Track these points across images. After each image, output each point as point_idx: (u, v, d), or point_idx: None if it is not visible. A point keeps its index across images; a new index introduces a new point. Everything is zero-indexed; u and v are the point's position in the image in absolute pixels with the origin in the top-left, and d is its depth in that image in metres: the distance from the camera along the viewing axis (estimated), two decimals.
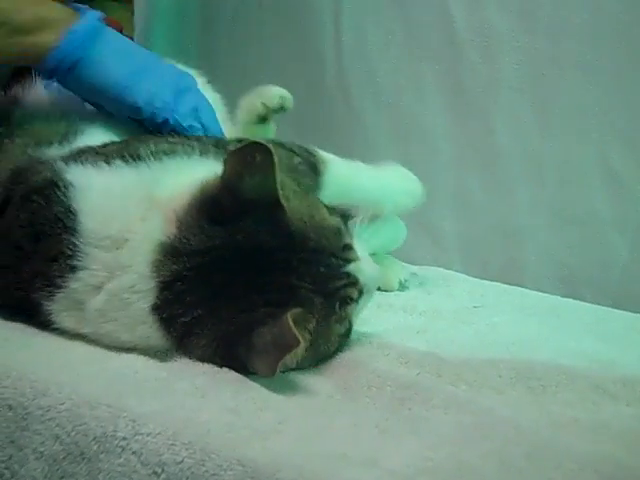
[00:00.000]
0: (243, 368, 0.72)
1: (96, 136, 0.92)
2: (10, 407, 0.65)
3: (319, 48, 1.54)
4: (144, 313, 0.74)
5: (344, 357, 0.80)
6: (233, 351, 0.72)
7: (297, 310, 0.71)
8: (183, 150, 0.85)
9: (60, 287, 0.76)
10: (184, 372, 0.72)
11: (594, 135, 1.35)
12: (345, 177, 1.03)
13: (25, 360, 0.71)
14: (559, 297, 1.25)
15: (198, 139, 0.94)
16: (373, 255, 1.16)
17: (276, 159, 0.72)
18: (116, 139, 0.93)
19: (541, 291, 1.28)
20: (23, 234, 0.79)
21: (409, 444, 0.62)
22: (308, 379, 0.74)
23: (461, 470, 0.59)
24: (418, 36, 1.47)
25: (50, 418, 0.64)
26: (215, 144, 0.91)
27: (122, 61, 0.99)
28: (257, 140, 0.74)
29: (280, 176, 0.74)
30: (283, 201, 0.74)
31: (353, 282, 0.78)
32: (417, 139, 1.50)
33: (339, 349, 0.80)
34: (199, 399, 0.67)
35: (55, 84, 1.09)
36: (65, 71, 0.96)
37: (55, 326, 0.78)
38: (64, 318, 0.77)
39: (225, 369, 0.73)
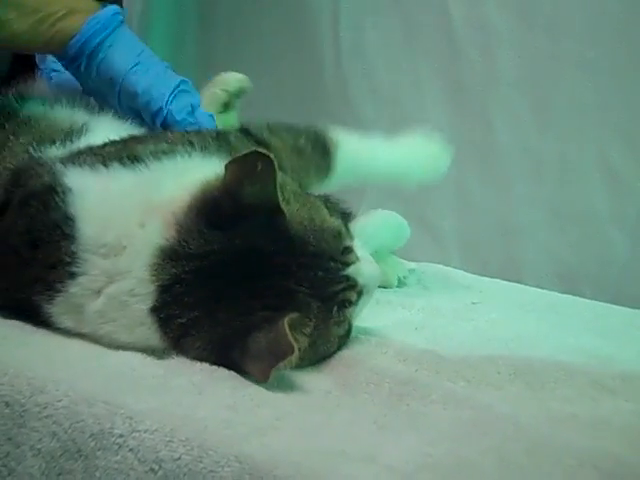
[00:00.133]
0: (237, 371, 0.72)
1: (101, 134, 0.91)
2: (7, 404, 0.65)
3: (317, 46, 1.54)
4: (143, 315, 0.74)
5: (342, 354, 0.79)
6: (228, 354, 0.72)
7: (294, 315, 0.71)
8: (183, 149, 0.84)
9: (60, 291, 0.76)
10: (181, 369, 0.72)
11: (593, 132, 1.35)
12: (360, 156, 1.02)
13: (23, 357, 0.71)
14: (558, 293, 1.25)
15: (198, 133, 0.93)
16: (374, 253, 1.17)
17: (277, 167, 0.72)
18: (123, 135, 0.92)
19: (540, 288, 1.28)
20: (21, 241, 0.78)
21: (408, 440, 0.62)
22: (306, 376, 0.74)
23: (460, 466, 0.58)
24: (416, 34, 1.47)
25: (47, 415, 0.64)
26: (216, 137, 0.90)
27: (131, 53, 1.04)
28: (259, 149, 0.73)
29: (281, 177, 0.74)
30: (283, 206, 0.73)
31: (352, 285, 0.78)
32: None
33: (339, 349, 0.80)
34: (196, 396, 0.67)
35: (54, 81, 1.11)
36: (86, 57, 1.01)
37: (55, 326, 0.78)
38: (64, 319, 0.77)
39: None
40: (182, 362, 0.73)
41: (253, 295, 0.73)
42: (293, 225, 0.74)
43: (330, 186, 1.00)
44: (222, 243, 0.73)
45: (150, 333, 0.74)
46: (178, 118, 1.01)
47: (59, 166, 0.81)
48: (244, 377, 0.71)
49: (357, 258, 0.79)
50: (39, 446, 0.63)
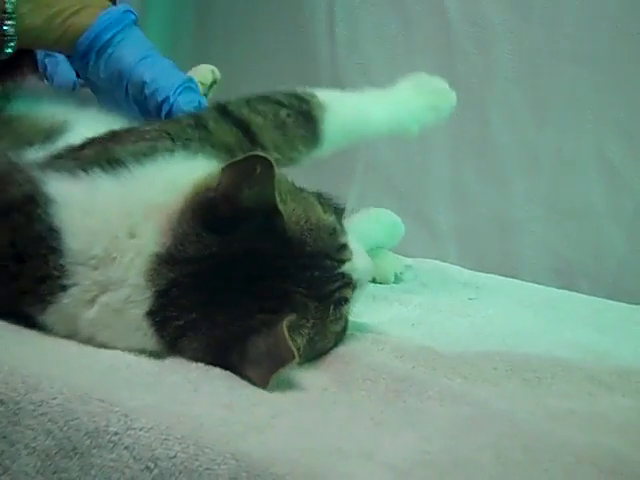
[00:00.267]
0: (234, 374, 0.71)
1: (82, 132, 0.88)
2: (2, 402, 0.64)
3: (312, 40, 1.54)
4: (138, 319, 0.73)
5: (339, 351, 0.79)
6: (226, 357, 0.71)
7: (292, 317, 0.71)
8: (163, 146, 0.81)
9: (51, 303, 0.74)
10: (176, 366, 0.72)
11: (590, 126, 1.35)
12: (350, 116, 0.96)
13: (17, 355, 0.71)
14: (555, 289, 1.25)
15: (175, 123, 0.89)
16: (369, 251, 1.17)
17: (276, 170, 0.71)
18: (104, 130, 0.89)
19: (537, 283, 1.28)
20: (6, 254, 0.76)
21: (405, 437, 0.62)
22: (302, 373, 0.73)
23: (457, 463, 0.58)
24: (412, 27, 1.47)
25: (42, 413, 0.63)
26: (194, 125, 0.87)
27: (140, 48, 1.03)
28: (257, 152, 0.72)
29: (277, 176, 0.72)
30: (281, 208, 0.73)
31: (347, 282, 0.78)
32: None
33: (336, 345, 0.79)
34: (192, 393, 0.67)
35: (49, 69, 1.10)
36: (95, 53, 1.00)
37: (51, 332, 0.76)
38: (58, 328, 0.76)
39: None
40: (177, 359, 0.73)
41: (251, 297, 0.72)
42: (290, 226, 0.74)
43: (322, 153, 0.95)
44: (220, 246, 0.72)
45: (146, 337, 0.73)
46: (185, 109, 0.98)
47: (37, 173, 0.78)
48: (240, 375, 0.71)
49: (352, 254, 0.79)
50: (34, 444, 0.62)
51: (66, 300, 0.74)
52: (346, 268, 0.77)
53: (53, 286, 0.74)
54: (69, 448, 0.61)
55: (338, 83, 1.50)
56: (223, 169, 0.72)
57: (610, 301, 1.20)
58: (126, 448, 0.60)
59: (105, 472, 0.60)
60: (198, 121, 0.88)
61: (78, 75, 1.14)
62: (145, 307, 0.72)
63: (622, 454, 0.60)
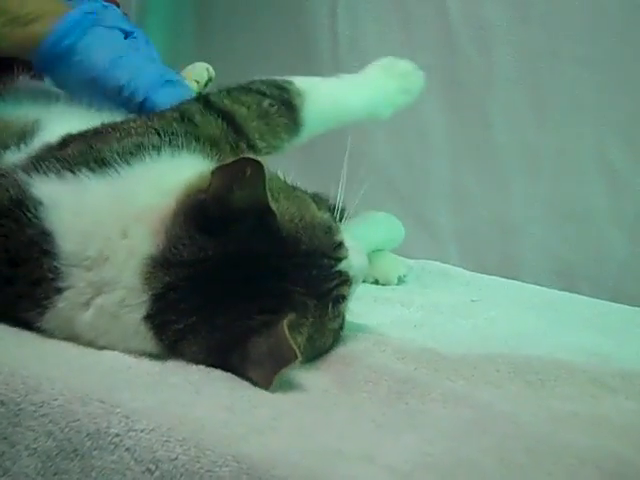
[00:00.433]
0: (236, 375, 0.71)
1: (55, 130, 0.87)
2: (2, 403, 0.64)
3: (315, 40, 1.54)
4: (136, 323, 0.72)
5: (340, 352, 0.79)
6: (227, 359, 0.71)
7: (291, 316, 0.71)
8: (149, 143, 0.80)
9: (47, 307, 0.74)
10: (177, 367, 0.71)
11: (591, 128, 1.35)
12: (328, 102, 0.98)
13: (17, 356, 0.70)
14: (557, 291, 1.25)
15: (160, 117, 0.88)
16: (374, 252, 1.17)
17: (267, 172, 0.70)
18: (79, 126, 0.87)
19: (538, 285, 1.28)
20: None
21: (407, 439, 0.62)
22: (303, 374, 0.73)
23: (460, 465, 0.58)
24: (413, 29, 1.47)
25: (43, 414, 0.63)
26: (180, 119, 0.87)
27: (109, 47, 1.00)
28: (247, 155, 0.72)
29: (269, 175, 0.72)
30: (273, 206, 0.72)
31: (345, 280, 0.78)
32: (413, 132, 1.49)
33: (335, 342, 0.79)
34: (193, 395, 0.66)
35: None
36: (56, 59, 0.97)
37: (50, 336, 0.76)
38: (57, 333, 0.75)
39: None
40: (178, 360, 0.73)
41: (249, 298, 0.72)
42: (284, 224, 0.73)
43: (301, 140, 0.96)
44: (215, 248, 0.72)
45: (145, 341, 0.73)
46: (167, 105, 0.95)
47: (22, 176, 0.77)
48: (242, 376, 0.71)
49: (347, 252, 0.79)
50: (35, 445, 0.62)
51: (61, 304, 0.74)
52: (343, 266, 0.77)
53: (48, 289, 0.74)
54: (70, 449, 0.61)
55: None
56: (213, 172, 0.71)
57: (612, 303, 1.19)
58: (127, 450, 0.59)
59: (106, 474, 0.59)
60: (184, 115, 0.88)
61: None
62: (142, 311, 0.72)
63: (625, 457, 0.60)
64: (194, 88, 1.16)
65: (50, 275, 0.73)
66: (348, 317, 0.81)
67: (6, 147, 0.85)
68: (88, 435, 0.61)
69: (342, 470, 0.56)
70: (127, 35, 1.13)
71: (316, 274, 0.75)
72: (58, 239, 0.73)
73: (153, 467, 0.58)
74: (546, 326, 0.99)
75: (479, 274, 1.29)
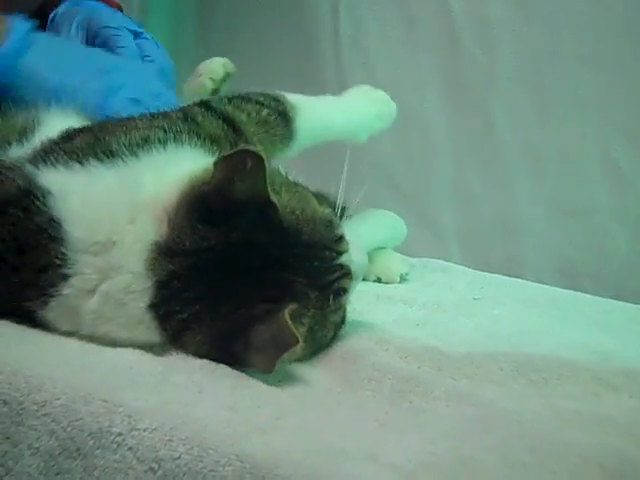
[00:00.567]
0: (239, 363, 0.72)
1: (55, 125, 0.88)
2: (5, 402, 0.64)
3: (317, 40, 1.54)
4: (141, 312, 0.73)
5: (343, 350, 0.79)
6: (230, 347, 0.72)
7: (293, 306, 0.71)
8: (155, 137, 0.81)
9: (52, 295, 0.74)
10: (180, 366, 0.71)
11: (594, 126, 1.35)
12: (317, 118, 1.02)
13: (20, 355, 0.70)
14: (559, 289, 1.25)
15: (165, 116, 0.90)
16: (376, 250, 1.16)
17: (267, 163, 0.71)
18: (76, 124, 0.89)
19: (541, 283, 1.28)
20: (5, 248, 0.76)
21: (410, 438, 0.62)
22: (307, 373, 0.73)
23: (463, 464, 0.58)
24: (416, 28, 1.47)
25: (45, 413, 0.63)
26: (184, 118, 0.89)
27: (51, 66, 0.99)
28: (248, 147, 0.73)
29: (270, 169, 0.73)
30: (274, 199, 0.73)
31: (346, 273, 0.78)
32: (416, 131, 1.49)
33: (336, 336, 0.80)
34: (196, 394, 0.66)
35: None
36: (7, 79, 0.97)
37: (52, 329, 0.76)
38: (60, 323, 0.76)
39: (222, 364, 0.72)
40: (181, 359, 0.73)
41: (252, 288, 0.73)
42: (285, 216, 0.75)
43: (291, 152, 0.99)
44: (217, 238, 0.73)
45: (149, 330, 0.73)
46: (117, 109, 0.97)
47: (30, 167, 0.78)
48: (244, 375, 0.71)
49: (348, 246, 0.80)
50: (37, 445, 0.62)
51: (67, 290, 0.74)
52: (344, 259, 0.78)
53: (54, 276, 0.74)
54: (72, 449, 0.61)
55: (342, 82, 1.51)
56: (215, 163, 0.72)
57: (615, 301, 1.19)
58: (130, 449, 0.59)
59: (109, 473, 0.59)
60: (187, 114, 0.90)
61: None
62: (147, 299, 0.72)
63: (628, 455, 0.60)
64: (209, 85, 1.15)
65: (57, 262, 0.74)
66: (351, 315, 0.81)
67: (9, 144, 0.86)
68: (91, 434, 0.61)
69: (345, 469, 0.56)
70: (137, 35, 1.13)
71: (317, 266, 0.76)
72: (66, 226, 0.74)
73: (156, 466, 0.58)
74: (549, 324, 0.99)
75: (482, 272, 1.29)
